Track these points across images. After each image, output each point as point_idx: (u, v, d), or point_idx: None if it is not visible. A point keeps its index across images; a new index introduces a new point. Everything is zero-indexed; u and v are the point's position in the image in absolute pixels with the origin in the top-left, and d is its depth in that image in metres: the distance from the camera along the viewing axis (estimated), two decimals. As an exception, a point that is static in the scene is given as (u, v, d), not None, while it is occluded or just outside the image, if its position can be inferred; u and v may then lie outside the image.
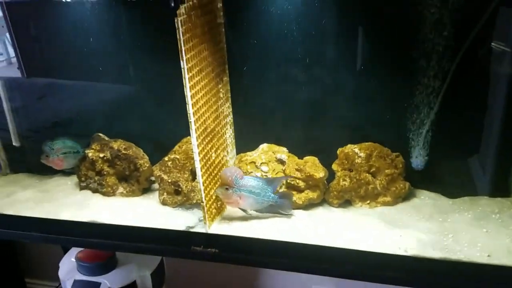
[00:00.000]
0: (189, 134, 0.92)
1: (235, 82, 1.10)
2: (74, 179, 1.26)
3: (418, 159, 1.04)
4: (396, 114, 1.04)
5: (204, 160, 0.98)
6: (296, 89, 1.10)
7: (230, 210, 1.08)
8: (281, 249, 0.95)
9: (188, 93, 0.88)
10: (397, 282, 0.90)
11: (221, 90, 1.07)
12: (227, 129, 1.13)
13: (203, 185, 0.97)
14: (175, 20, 0.81)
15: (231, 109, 1.13)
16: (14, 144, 1.26)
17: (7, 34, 1.21)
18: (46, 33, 1.22)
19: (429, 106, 0.99)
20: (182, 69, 0.86)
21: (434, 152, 1.03)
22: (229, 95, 1.11)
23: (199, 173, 0.95)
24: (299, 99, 1.11)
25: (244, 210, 1.04)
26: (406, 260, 0.87)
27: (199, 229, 1.03)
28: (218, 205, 1.06)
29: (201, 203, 0.98)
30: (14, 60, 1.26)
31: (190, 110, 0.89)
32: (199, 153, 0.94)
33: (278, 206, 1.02)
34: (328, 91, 1.07)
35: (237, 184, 0.97)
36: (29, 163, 1.30)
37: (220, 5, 1.02)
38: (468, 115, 0.99)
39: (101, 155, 1.18)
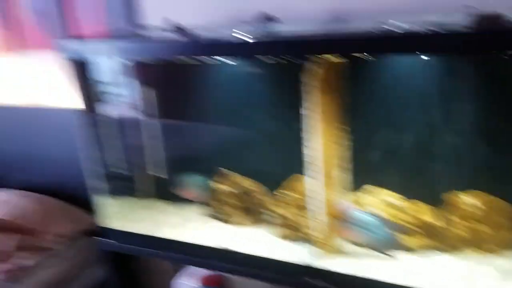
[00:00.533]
0: (301, 173, 1.05)
1: (349, 131, 1.21)
2: (202, 207, 1.45)
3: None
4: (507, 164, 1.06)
5: (320, 197, 1.09)
6: (406, 139, 1.17)
7: (342, 245, 1.17)
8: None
9: (308, 137, 1.01)
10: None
11: (336, 136, 1.18)
12: (339, 171, 1.22)
13: (317, 220, 1.07)
14: (301, 76, 0.96)
15: (343, 154, 1.23)
16: (149, 173, 1.49)
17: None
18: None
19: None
20: (303, 116, 0.99)
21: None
22: (342, 141, 1.22)
23: (315, 208, 1.06)
24: (409, 148, 1.17)
25: (355, 244, 1.12)
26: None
27: (310, 261, 1.13)
28: (331, 239, 1.15)
29: (315, 237, 1.08)
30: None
31: (310, 152, 1.02)
32: (315, 191, 1.05)
33: (388, 244, 1.08)
34: (437, 143, 1.13)
35: (351, 218, 1.06)
36: (164, 191, 1.52)
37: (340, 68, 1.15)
38: None
39: (227, 188, 1.35)
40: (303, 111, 1.00)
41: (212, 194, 1.39)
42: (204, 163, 1.47)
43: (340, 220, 1.07)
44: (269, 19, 1.30)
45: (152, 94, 1.43)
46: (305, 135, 1.04)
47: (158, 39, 1.21)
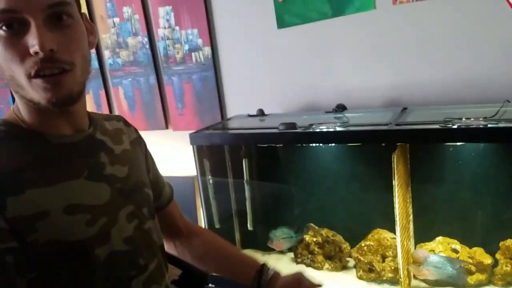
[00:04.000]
0: (378, 226, 1.37)
1: (416, 193, 1.55)
2: (289, 256, 1.77)
3: None
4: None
5: (399, 246, 1.42)
6: (462, 198, 1.50)
7: (414, 285, 1.48)
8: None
9: (396, 200, 1.35)
10: None
11: (408, 197, 1.52)
12: (410, 225, 1.56)
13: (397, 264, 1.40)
14: (392, 157, 1.31)
15: (411, 210, 1.57)
16: (249, 228, 1.82)
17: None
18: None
19: None
20: (394, 186, 1.34)
21: None
22: (412, 201, 1.56)
23: (399, 256, 1.39)
24: (464, 205, 1.51)
25: (431, 282, 1.43)
26: None
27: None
28: (408, 281, 1.47)
29: (400, 279, 1.40)
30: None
31: (397, 212, 1.36)
32: (397, 241, 1.39)
33: (456, 279, 1.39)
34: (489, 201, 1.46)
35: (426, 261, 1.38)
36: (258, 242, 1.84)
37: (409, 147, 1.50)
38: None
39: (314, 239, 1.68)
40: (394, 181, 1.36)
41: (302, 244, 1.71)
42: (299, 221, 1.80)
43: (418, 263, 1.39)
44: (342, 108, 1.68)
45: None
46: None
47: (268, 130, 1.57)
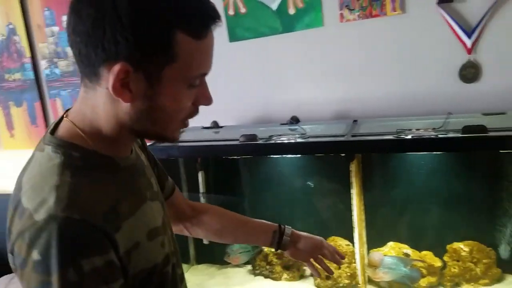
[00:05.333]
0: (334, 234, 1.44)
1: (368, 201, 1.62)
2: (246, 268, 1.76)
3: (505, 251, 1.49)
4: (488, 220, 1.51)
5: (356, 252, 1.47)
6: (411, 205, 1.60)
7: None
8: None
9: (354, 209, 1.40)
10: None
11: (361, 205, 1.58)
12: (363, 232, 1.62)
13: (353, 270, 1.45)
14: (350, 166, 1.37)
15: (364, 217, 1.63)
16: (204, 242, 1.79)
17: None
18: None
19: (509, 216, 1.47)
20: (352, 195, 1.39)
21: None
22: (364, 208, 1.62)
23: (358, 263, 1.44)
24: (413, 212, 1.60)
25: (381, 286, 1.50)
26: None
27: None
28: (365, 287, 1.52)
29: (358, 285, 1.45)
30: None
31: (355, 220, 1.41)
32: (353, 248, 1.44)
33: (409, 278, 1.46)
34: (436, 208, 1.57)
35: (381, 264, 1.44)
36: (213, 257, 1.81)
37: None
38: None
39: (273, 250, 1.68)
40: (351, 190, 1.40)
41: (260, 256, 1.71)
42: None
43: (374, 266, 1.45)
44: (296, 120, 1.72)
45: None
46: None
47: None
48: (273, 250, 1.67)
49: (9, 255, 0.65)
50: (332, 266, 1.17)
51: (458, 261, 1.50)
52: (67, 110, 0.73)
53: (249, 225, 1.10)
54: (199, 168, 1.68)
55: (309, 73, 1.75)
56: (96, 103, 0.68)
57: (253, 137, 1.45)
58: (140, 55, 0.62)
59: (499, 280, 1.49)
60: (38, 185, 0.63)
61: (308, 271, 1.69)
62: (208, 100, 0.73)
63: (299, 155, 1.61)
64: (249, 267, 1.76)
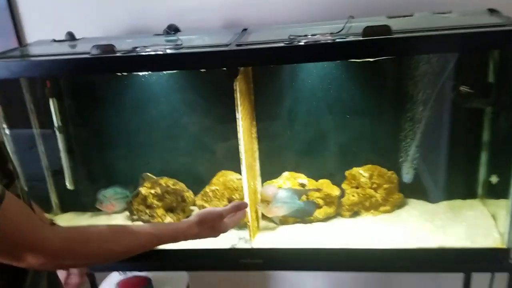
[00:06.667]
0: (223, 168, 1.23)
1: (260, 126, 1.38)
2: (123, 214, 1.48)
3: (407, 175, 1.36)
4: (390, 142, 1.35)
5: (246, 187, 1.25)
6: (307, 129, 1.39)
7: (263, 226, 1.35)
8: (311, 255, 1.23)
9: (241, 136, 1.16)
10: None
11: (252, 132, 1.35)
12: (257, 163, 1.40)
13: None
14: (234, 84, 1.10)
15: (257, 146, 1.41)
16: (68, 187, 1.47)
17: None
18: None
19: (412, 138, 1.32)
20: (237, 119, 1.14)
21: (418, 169, 1.35)
22: (256, 135, 1.39)
23: (246, 198, 1.22)
24: (310, 136, 1.40)
25: (274, 222, 1.31)
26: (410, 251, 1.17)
27: (242, 245, 1.28)
28: (256, 224, 1.32)
29: (247, 223, 1.24)
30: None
31: (242, 149, 1.17)
32: (242, 182, 1.22)
33: (303, 212, 1.30)
34: (334, 129, 1.38)
35: (274, 198, 1.25)
36: (82, 204, 1.50)
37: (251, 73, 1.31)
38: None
39: (152, 191, 1.41)
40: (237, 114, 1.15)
41: (137, 199, 1.43)
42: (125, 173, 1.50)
43: (267, 202, 1.25)
44: (174, 29, 1.40)
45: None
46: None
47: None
48: (152, 191, 1.42)
49: None
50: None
51: (357, 187, 1.35)
52: None
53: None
54: (49, 94, 1.32)
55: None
56: None
57: (109, 48, 1.11)
58: None
59: (400, 206, 1.37)
60: None
61: (196, 211, 1.46)
62: None
63: (176, 71, 1.31)
64: (126, 212, 1.48)
